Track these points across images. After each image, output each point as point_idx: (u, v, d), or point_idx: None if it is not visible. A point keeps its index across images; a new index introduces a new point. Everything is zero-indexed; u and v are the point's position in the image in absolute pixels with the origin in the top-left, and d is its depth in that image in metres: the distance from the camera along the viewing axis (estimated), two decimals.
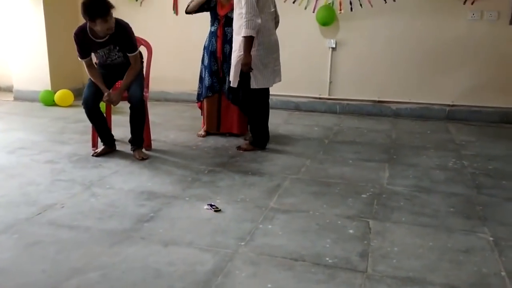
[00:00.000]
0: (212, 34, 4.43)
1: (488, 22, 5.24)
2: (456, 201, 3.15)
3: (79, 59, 3.86)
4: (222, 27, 4.35)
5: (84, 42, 3.75)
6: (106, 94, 3.80)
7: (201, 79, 4.61)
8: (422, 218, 2.89)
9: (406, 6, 5.40)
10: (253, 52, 3.87)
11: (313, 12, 5.65)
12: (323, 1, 5.63)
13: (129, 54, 3.83)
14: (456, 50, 5.39)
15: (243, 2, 3.74)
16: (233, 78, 4.03)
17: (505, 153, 4.27)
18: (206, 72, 4.50)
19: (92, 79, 3.85)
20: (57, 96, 5.98)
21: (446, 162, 3.98)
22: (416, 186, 3.42)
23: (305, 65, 5.80)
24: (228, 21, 4.27)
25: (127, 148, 4.08)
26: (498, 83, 5.36)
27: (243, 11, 3.74)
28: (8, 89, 6.78)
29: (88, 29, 3.69)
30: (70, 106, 6.00)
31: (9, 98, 6.45)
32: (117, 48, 3.80)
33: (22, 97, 6.35)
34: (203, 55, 4.55)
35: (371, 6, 5.49)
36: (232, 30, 4.13)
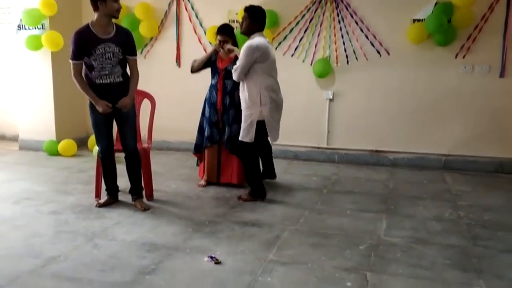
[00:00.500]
0: (213, 87, 4.63)
1: (479, 75, 5.44)
2: (452, 253, 3.21)
3: (71, 60, 3.76)
4: (222, 79, 4.56)
5: (85, 39, 3.71)
6: (120, 101, 3.84)
7: (201, 130, 4.77)
8: (419, 270, 2.94)
9: (400, 59, 5.63)
10: (266, 109, 4.16)
11: (311, 65, 5.87)
12: (320, 54, 5.86)
13: (129, 57, 3.91)
14: (450, 101, 5.57)
15: (241, 55, 4.11)
16: (245, 134, 4.21)
17: (500, 204, 4.35)
18: (207, 123, 4.66)
19: (79, 86, 3.78)
20: (61, 146, 6.11)
21: (443, 213, 4.05)
22: (413, 237, 3.48)
23: (303, 116, 5.97)
24: (228, 74, 4.45)
25: (129, 199, 4.16)
26: (492, 134, 5.50)
27: (238, 63, 4.13)
28: (14, 138, 6.94)
29: (91, 26, 3.75)
30: (73, 155, 6.12)
31: (14, 148, 6.59)
32: (118, 48, 3.80)
33: (27, 147, 6.48)
34: (204, 107, 4.73)
35: (366, 59, 5.72)
36: (230, 83, 4.41)
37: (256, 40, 4.14)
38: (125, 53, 3.87)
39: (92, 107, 3.86)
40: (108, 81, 3.82)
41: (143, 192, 4.18)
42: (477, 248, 3.30)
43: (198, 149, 4.80)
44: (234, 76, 4.20)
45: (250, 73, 4.15)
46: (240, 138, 4.26)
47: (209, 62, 4.61)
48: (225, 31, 4.53)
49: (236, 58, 4.31)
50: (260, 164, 4.61)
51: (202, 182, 4.79)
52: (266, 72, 4.18)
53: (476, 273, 2.92)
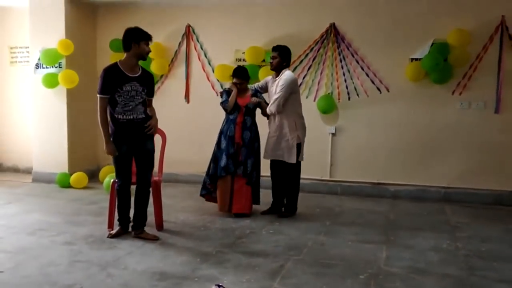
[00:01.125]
0: (231, 121, 4.99)
1: (476, 111, 5.68)
2: (448, 283, 3.35)
3: (99, 94, 3.99)
4: (242, 115, 4.97)
5: (114, 76, 3.98)
6: (148, 124, 4.13)
7: (215, 160, 5.03)
8: None
9: (400, 96, 5.88)
10: (300, 131, 4.94)
11: (314, 101, 6.13)
12: (323, 91, 6.13)
13: (148, 98, 4.20)
14: (448, 136, 5.78)
15: (282, 87, 4.76)
16: (288, 156, 4.91)
17: (497, 235, 4.50)
18: (223, 155, 4.93)
19: (100, 119, 4.04)
20: (73, 178, 6.34)
21: (441, 244, 4.20)
22: (412, 267, 3.63)
23: (307, 149, 6.09)
24: (248, 110, 4.98)
25: None
26: (490, 167, 5.69)
27: (279, 94, 4.78)
28: (27, 171, 7.19)
29: (120, 65, 4.05)
30: (85, 188, 6.34)
31: (27, 180, 6.83)
32: (142, 88, 4.08)
33: (40, 179, 6.71)
34: (220, 139, 5.03)
35: (367, 96, 5.97)
36: (250, 119, 4.99)
37: (291, 74, 4.92)
38: (147, 94, 4.15)
39: (115, 142, 4.09)
40: (131, 117, 4.07)
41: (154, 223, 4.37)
42: (473, 278, 3.44)
43: (213, 179, 5.03)
44: (274, 107, 4.83)
45: (287, 103, 4.83)
46: (286, 160, 4.91)
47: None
48: (240, 74, 4.97)
49: (251, 96, 5.01)
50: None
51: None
52: (298, 101, 4.96)
53: None
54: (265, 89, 5.15)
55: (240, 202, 4.96)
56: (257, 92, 5.12)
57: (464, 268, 3.64)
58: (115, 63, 4.08)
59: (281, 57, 4.89)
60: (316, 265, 3.65)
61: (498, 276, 3.50)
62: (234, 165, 4.92)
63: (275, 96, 4.82)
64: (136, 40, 4.03)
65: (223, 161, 4.91)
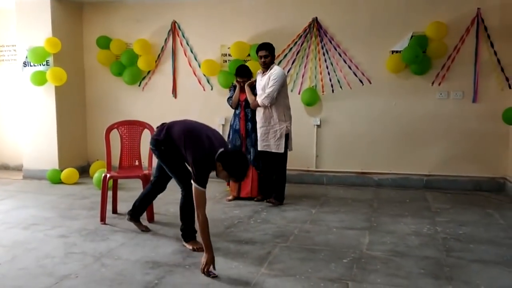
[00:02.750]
0: (236, 116, 5.48)
1: (454, 101, 5.88)
2: (427, 264, 3.54)
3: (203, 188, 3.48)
4: (243, 109, 5.40)
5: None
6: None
7: None
8: (396, 279, 3.27)
9: (381, 87, 6.07)
10: (289, 121, 5.20)
11: (299, 94, 6.29)
12: (307, 84, 6.29)
13: None
14: (428, 125, 5.98)
15: (274, 81, 4.98)
16: (276, 147, 5.15)
17: (475, 219, 4.71)
18: (230, 146, 5.30)
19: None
20: (64, 174, 6.44)
21: (421, 229, 4.40)
22: (392, 250, 3.82)
23: (293, 141, 6.32)
24: (247, 104, 5.37)
25: (131, 223, 4.50)
26: (469, 155, 5.91)
27: (272, 88, 4.99)
28: (17, 168, 7.27)
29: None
30: (75, 183, 6.44)
31: (18, 177, 6.90)
32: None
33: (30, 176, 6.80)
34: (229, 133, 5.56)
35: (350, 88, 6.15)
36: (249, 111, 5.36)
37: (281, 68, 5.23)
38: None
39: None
40: None
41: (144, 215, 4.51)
42: (450, 259, 3.64)
43: None
44: (267, 100, 5.04)
45: (277, 96, 5.05)
46: (274, 151, 5.16)
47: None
48: (242, 73, 5.36)
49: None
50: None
51: (230, 197, 5.49)
52: (286, 93, 5.22)
53: (447, 280, 3.25)
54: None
55: (247, 188, 5.39)
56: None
57: (442, 250, 3.84)
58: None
59: (271, 55, 5.17)
60: (302, 251, 3.82)
61: (473, 256, 3.70)
62: None
63: (268, 90, 5.03)
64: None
65: None
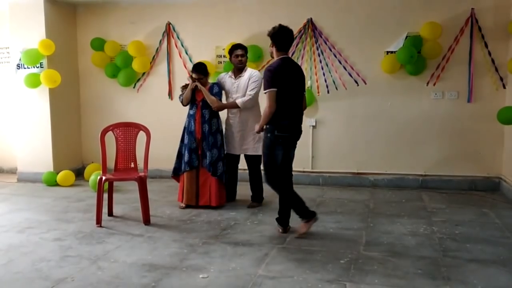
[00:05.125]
0: (191, 117, 5.14)
1: (449, 101, 5.90)
2: (424, 264, 3.55)
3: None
4: (200, 110, 5.08)
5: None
6: None
7: (179, 155, 5.23)
8: (393, 279, 3.27)
9: (377, 88, 6.07)
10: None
11: None
12: None
13: None
14: (423, 125, 6.00)
15: (256, 83, 4.98)
16: (258, 148, 5.02)
17: (471, 219, 4.72)
18: (186, 150, 5.11)
19: None
20: (60, 176, 6.40)
21: (418, 229, 4.41)
22: (389, 251, 3.82)
23: None
24: (204, 104, 5.06)
25: (129, 225, 4.49)
26: (464, 154, 5.93)
27: (255, 89, 4.98)
28: (11, 171, 7.22)
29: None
30: (71, 185, 6.41)
31: (12, 180, 6.86)
32: None
33: (25, 179, 6.75)
34: (183, 135, 5.20)
35: (346, 88, 6.15)
36: (208, 112, 5.06)
37: (256, 70, 5.22)
38: None
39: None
40: None
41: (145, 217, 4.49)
42: (447, 259, 3.65)
43: (176, 172, 5.22)
44: (250, 102, 5.00)
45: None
46: (251, 153, 5.12)
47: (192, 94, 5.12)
48: (199, 69, 5.08)
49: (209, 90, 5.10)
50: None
51: (182, 205, 5.17)
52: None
53: (444, 280, 3.26)
54: (221, 86, 5.25)
55: (206, 195, 5.10)
56: (216, 86, 5.18)
57: (439, 250, 3.84)
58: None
59: (246, 56, 5.15)
60: (299, 252, 3.81)
61: (470, 256, 3.71)
62: (198, 159, 5.09)
63: (251, 92, 4.99)
64: None
65: (186, 156, 5.09)
